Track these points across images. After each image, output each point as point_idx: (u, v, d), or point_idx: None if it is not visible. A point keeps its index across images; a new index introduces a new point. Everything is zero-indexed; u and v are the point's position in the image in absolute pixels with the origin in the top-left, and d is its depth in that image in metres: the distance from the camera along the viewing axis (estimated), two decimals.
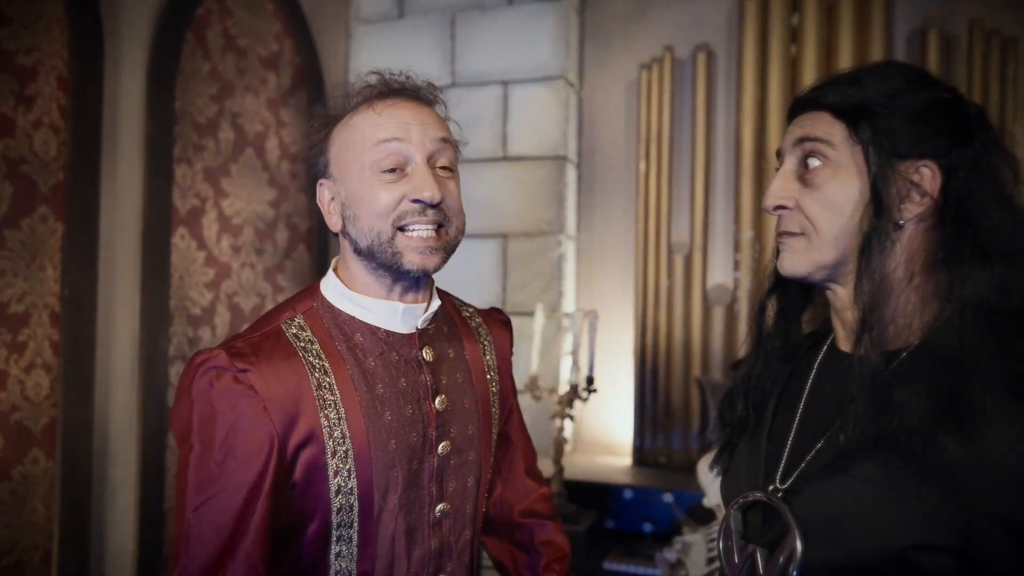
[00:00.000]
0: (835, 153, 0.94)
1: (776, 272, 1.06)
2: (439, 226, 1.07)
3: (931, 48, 2.97)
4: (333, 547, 1.06)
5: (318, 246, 3.49)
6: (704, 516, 2.47)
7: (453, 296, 1.30)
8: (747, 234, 3.12)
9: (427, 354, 1.14)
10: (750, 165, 3.13)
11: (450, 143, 1.10)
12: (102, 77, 2.36)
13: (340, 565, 1.07)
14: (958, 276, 0.89)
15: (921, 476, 0.83)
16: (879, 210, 0.91)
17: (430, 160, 1.07)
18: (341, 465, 1.04)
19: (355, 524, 1.05)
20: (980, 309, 0.88)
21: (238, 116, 2.95)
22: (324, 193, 1.12)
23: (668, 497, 2.74)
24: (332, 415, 1.04)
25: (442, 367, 1.16)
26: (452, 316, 1.24)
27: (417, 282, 1.12)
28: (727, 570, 1.00)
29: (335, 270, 1.14)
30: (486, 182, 3.37)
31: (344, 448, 1.04)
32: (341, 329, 1.10)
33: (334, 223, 1.11)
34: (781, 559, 0.91)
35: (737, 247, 3.15)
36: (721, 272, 3.22)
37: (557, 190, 3.29)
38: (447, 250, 1.09)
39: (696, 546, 2.38)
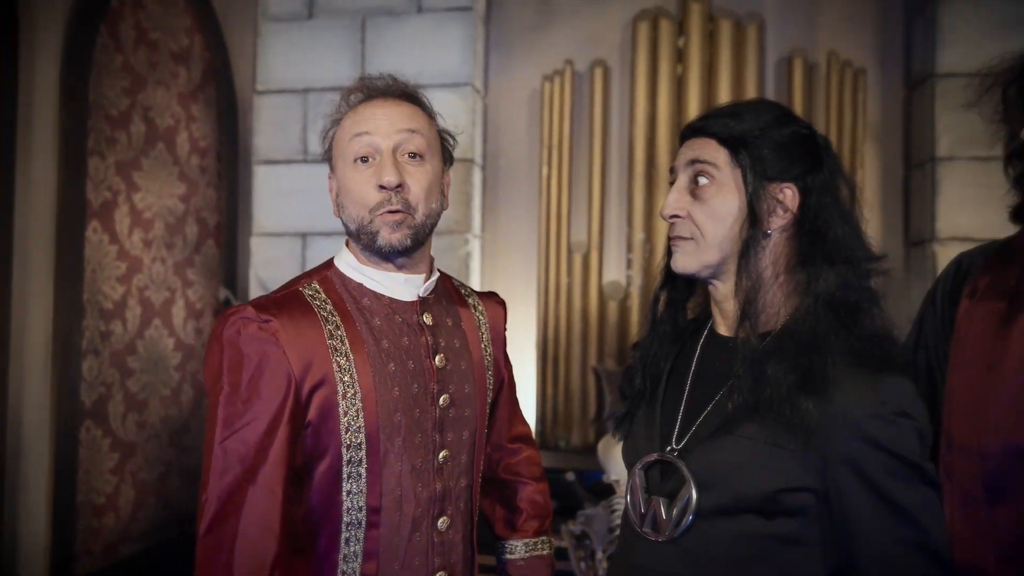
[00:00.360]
0: (720, 174, 1.17)
1: (668, 269, 1.26)
2: (402, 212, 1.19)
3: (796, 74, 3.37)
4: (344, 484, 1.19)
5: (226, 240, 3.51)
6: (604, 491, 2.73)
7: (454, 277, 1.44)
8: (639, 236, 3.42)
9: (427, 318, 1.28)
10: (642, 173, 3.43)
11: (419, 133, 1.22)
12: (17, 67, 2.33)
13: (352, 501, 1.20)
14: (812, 276, 1.14)
15: (789, 433, 1.06)
16: (753, 221, 1.14)
17: (396, 149, 1.20)
18: (350, 406, 1.18)
19: (363, 461, 1.19)
20: (828, 302, 1.12)
21: (149, 110, 2.95)
22: (331, 185, 1.28)
23: (571, 476, 2.98)
24: (343, 361, 1.19)
25: (441, 331, 1.30)
26: (451, 292, 1.38)
27: (403, 256, 1.24)
28: (634, 519, 1.18)
29: (347, 246, 1.29)
30: None
31: (353, 391, 1.19)
32: (351, 294, 1.26)
33: (335, 211, 1.27)
34: (679, 506, 1.12)
35: (630, 247, 3.45)
36: (615, 270, 3.51)
37: (465, 191, 3.47)
38: (415, 228, 1.20)
39: (598, 518, 2.63)
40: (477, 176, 3.58)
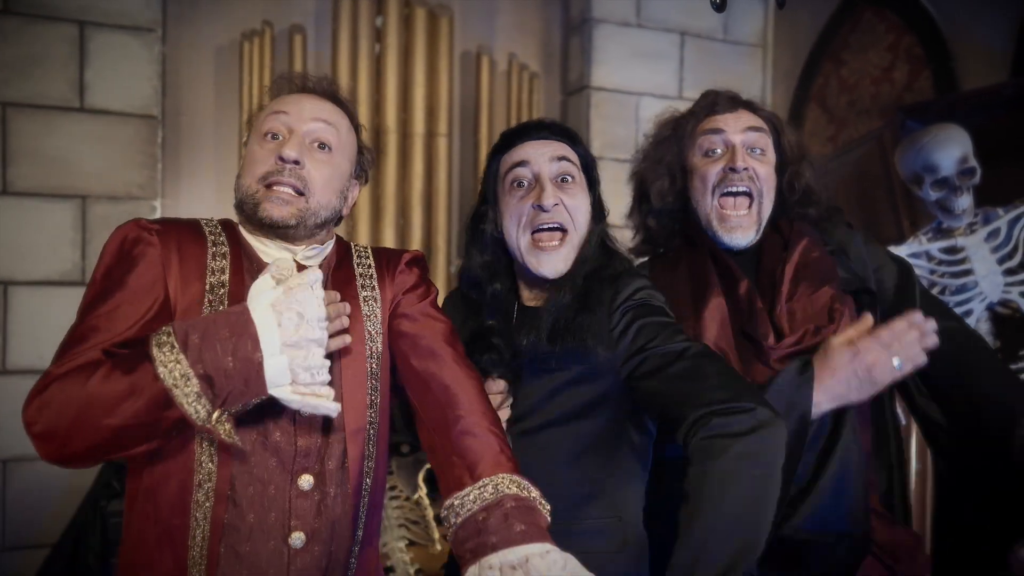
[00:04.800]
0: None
1: (493, 261, 1.43)
2: (299, 192, 1.21)
3: (483, 68, 3.71)
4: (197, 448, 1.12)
5: None
6: None
7: (361, 248, 1.35)
8: None
9: None
10: None
11: (334, 127, 1.25)
12: None
13: (203, 468, 1.13)
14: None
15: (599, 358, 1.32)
16: None
17: (307, 135, 1.23)
18: None
19: None
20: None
21: None
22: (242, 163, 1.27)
23: None
24: (217, 288, 1.17)
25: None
26: (350, 273, 1.30)
27: (284, 235, 1.23)
28: None
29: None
30: (58, 134, 2.95)
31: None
32: (243, 246, 1.25)
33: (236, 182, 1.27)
34: None
35: None
36: None
37: (149, 152, 3.09)
38: (303, 212, 1.21)
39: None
40: (161, 135, 3.21)
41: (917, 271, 2.18)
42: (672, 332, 1.27)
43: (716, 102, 1.52)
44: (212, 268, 1.18)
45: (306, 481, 1.17)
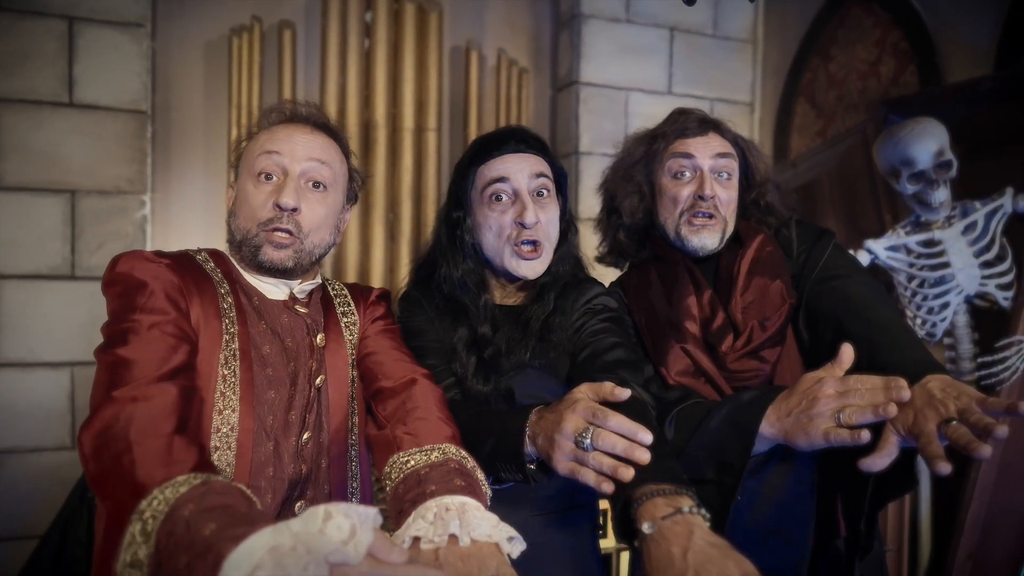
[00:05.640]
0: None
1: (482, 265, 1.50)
2: (291, 234, 1.23)
3: (472, 63, 3.73)
4: (216, 418, 1.13)
5: None
6: None
7: (333, 280, 1.41)
8: None
9: (301, 308, 1.28)
10: None
11: (327, 165, 1.25)
12: None
13: (221, 439, 1.14)
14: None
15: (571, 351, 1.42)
16: None
17: (302, 175, 1.23)
18: (226, 387, 1.14)
19: (234, 430, 1.12)
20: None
21: None
22: (230, 194, 1.27)
23: None
24: (229, 327, 1.16)
25: (318, 318, 1.30)
26: (329, 302, 1.37)
27: (282, 275, 1.26)
28: None
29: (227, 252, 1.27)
30: (48, 129, 2.97)
31: (232, 364, 1.15)
32: (240, 283, 1.24)
33: (227, 218, 1.26)
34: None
35: None
36: None
37: (139, 146, 3.10)
38: (299, 253, 1.23)
39: None
40: (150, 130, 3.22)
41: (896, 264, 2.20)
42: (611, 331, 1.41)
43: (687, 126, 1.57)
44: (223, 308, 1.18)
45: (300, 510, 1.20)
